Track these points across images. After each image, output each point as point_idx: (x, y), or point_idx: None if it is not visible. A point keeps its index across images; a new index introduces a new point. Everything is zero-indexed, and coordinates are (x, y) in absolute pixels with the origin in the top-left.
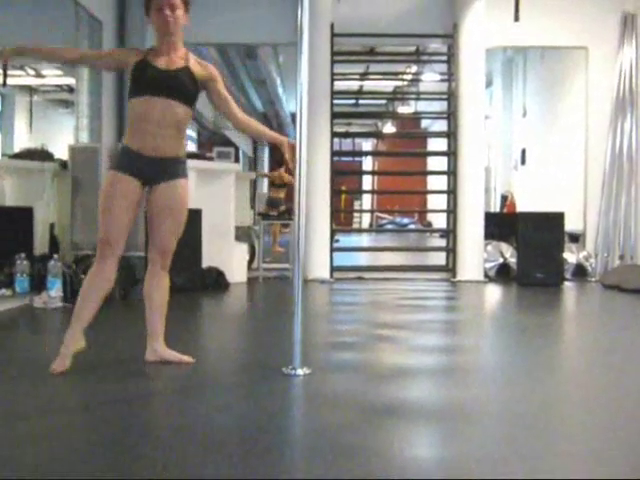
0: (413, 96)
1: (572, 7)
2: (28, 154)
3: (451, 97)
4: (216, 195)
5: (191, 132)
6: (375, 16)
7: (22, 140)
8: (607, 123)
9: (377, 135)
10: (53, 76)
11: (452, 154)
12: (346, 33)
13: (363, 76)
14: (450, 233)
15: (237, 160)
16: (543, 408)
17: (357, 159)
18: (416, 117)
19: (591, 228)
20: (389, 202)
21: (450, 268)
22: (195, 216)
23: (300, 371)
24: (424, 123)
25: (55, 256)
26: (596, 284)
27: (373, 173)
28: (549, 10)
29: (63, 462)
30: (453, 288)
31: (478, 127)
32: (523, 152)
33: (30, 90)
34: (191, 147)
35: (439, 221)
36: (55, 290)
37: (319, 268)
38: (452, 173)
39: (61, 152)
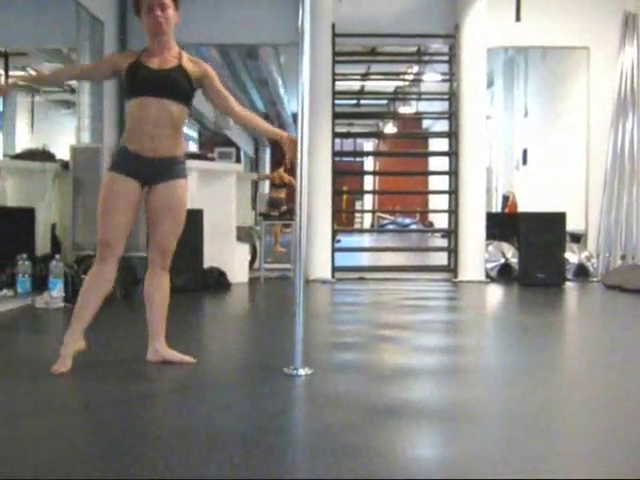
0: (414, 96)
1: (573, 7)
2: (30, 155)
3: (452, 97)
4: (217, 195)
5: (192, 132)
6: (376, 16)
7: (24, 141)
8: (608, 123)
9: (378, 135)
10: None
11: (453, 154)
12: (347, 33)
13: (364, 76)
14: (451, 233)
15: (238, 160)
16: (544, 408)
17: (358, 159)
18: (417, 117)
19: (593, 228)
20: (390, 202)
21: (452, 268)
22: (196, 216)
23: (302, 371)
24: (425, 123)
25: (57, 256)
26: (598, 284)
27: (374, 173)
28: (550, 10)
29: (64, 462)
30: (454, 288)
31: (479, 127)
32: (524, 152)
33: (32, 90)
34: (192, 147)
35: (440, 221)
36: (57, 290)
37: (321, 268)
38: (453, 173)
39: (63, 153)
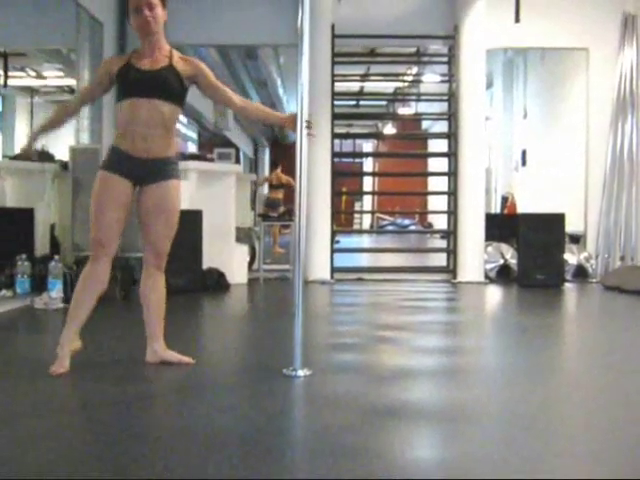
0: (414, 97)
1: (573, 8)
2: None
3: (452, 98)
4: (217, 196)
5: (192, 133)
6: (376, 17)
7: (23, 141)
8: (608, 124)
9: (378, 136)
10: (54, 77)
11: (453, 155)
12: (347, 34)
13: (364, 77)
14: (451, 234)
15: (238, 161)
16: (543, 409)
17: (358, 160)
18: (417, 118)
19: (592, 229)
20: (390, 203)
21: (451, 269)
22: (196, 217)
23: (301, 372)
24: (425, 124)
25: (56, 257)
26: (597, 285)
27: (374, 174)
28: (550, 11)
29: (62, 463)
30: (454, 289)
31: (479, 128)
32: (524, 153)
33: (31, 91)
34: (192, 148)
35: (440, 222)
36: (56, 291)
37: (320, 269)
38: (453, 174)
39: (62, 153)
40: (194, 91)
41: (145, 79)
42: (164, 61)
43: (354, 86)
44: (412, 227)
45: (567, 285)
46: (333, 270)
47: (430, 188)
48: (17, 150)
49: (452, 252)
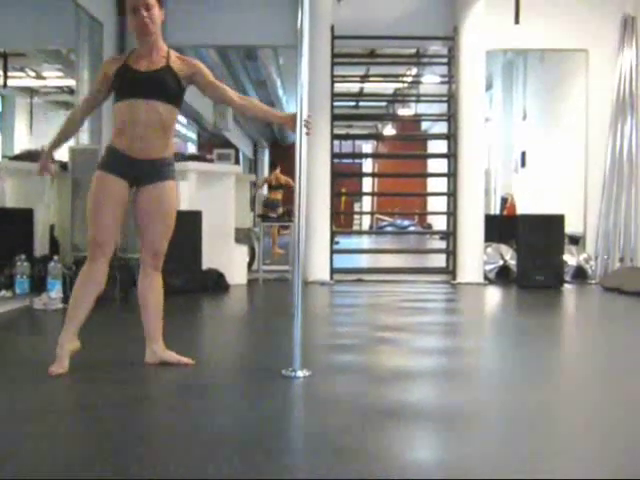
0: (413, 98)
1: (572, 10)
2: (28, 155)
3: (451, 99)
4: (216, 197)
5: (191, 134)
6: (375, 18)
7: (22, 141)
8: (607, 126)
9: (377, 137)
10: (53, 78)
11: (452, 156)
12: (346, 35)
13: (363, 78)
14: (450, 235)
15: (237, 162)
16: (543, 410)
17: (357, 161)
18: (416, 119)
19: (591, 230)
20: (389, 204)
21: (450, 270)
22: (195, 218)
23: (300, 373)
24: (424, 125)
25: (55, 257)
26: (596, 286)
27: (373, 175)
28: (549, 13)
29: (62, 463)
30: (453, 290)
31: (478, 129)
32: (523, 154)
33: (30, 92)
34: (191, 149)
35: (439, 223)
36: (55, 291)
37: (319, 270)
38: (452, 175)
39: (61, 153)
40: (194, 91)
41: (142, 80)
42: (161, 62)
43: (354, 87)
44: (411, 228)
45: (566, 286)
46: (332, 271)
47: (429, 189)
48: (17, 150)
49: (451, 253)
